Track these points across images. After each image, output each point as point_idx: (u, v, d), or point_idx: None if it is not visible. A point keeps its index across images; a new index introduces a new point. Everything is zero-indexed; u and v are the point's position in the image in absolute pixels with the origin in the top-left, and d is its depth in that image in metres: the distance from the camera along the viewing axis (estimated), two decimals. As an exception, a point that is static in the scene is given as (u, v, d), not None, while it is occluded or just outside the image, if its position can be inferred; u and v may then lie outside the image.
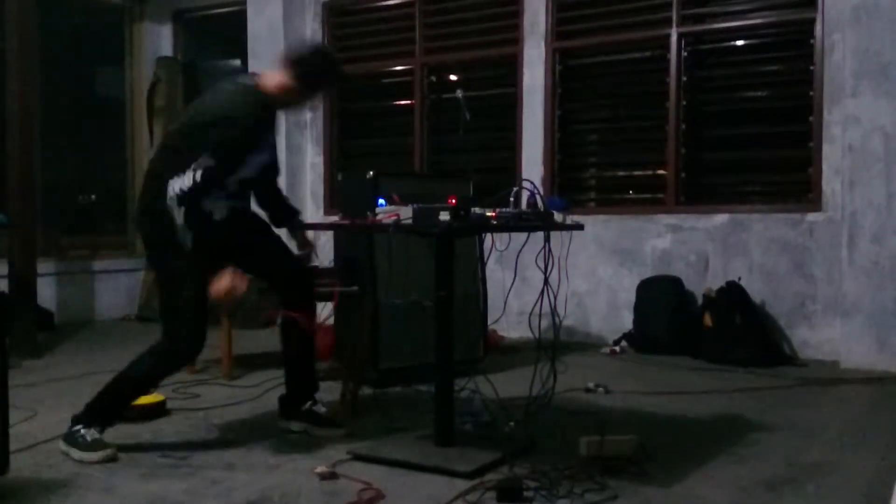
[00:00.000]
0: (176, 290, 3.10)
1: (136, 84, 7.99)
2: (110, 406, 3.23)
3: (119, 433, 3.46)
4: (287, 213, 3.59)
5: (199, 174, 2.93)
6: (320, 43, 3.30)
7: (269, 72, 3.23)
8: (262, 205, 3.56)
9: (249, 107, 3.12)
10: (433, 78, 6.99)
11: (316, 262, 3.70)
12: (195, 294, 3.07)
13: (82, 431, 3.13)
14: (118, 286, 7.56)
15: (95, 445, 3.10)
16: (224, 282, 2.99)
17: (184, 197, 2.92)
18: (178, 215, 2.93)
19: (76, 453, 3.09)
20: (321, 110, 7.31)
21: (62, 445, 3.15)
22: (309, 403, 3.51)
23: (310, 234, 3.69)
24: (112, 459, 3.07)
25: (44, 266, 6.26)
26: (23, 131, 5.56)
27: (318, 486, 2.78)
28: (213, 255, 3.04)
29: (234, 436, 3.47)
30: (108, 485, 2.82)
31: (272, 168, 3.45)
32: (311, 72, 3.21)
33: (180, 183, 2.92)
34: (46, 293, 6.53)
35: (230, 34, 7.65)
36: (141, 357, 3.24)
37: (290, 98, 3.25)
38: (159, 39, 8.09)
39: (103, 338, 6.42)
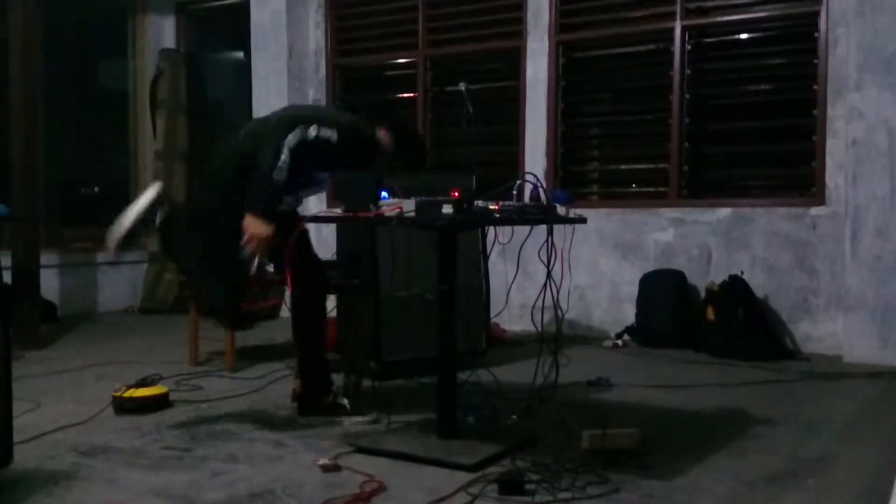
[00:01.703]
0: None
1: (139, 76, 7.99)
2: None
3: (121, 425, 3.47)
4: None
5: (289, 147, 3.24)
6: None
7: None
8: None
9: (353, 125, 3.55)
10: (436, 70, 6.98)
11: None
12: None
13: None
14: (121, 278, 7.57)
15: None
16: (263, 229, 3.17)
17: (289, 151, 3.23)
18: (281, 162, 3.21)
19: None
20: (321, 103, 7.31)
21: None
22: (331, 396, 3.61)
23: None
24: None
25: (47, 258, 6.26)
26: (26, 123, 5.56)
27: (321, 478, 2.79)
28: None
29: (236, 428, 3.47)
30: (112, 476, 2.83)
31: None
32: (404, 137, 3.66)
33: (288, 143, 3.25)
34: (49, 285, 6.54)
35: (233, 26, 7.64)
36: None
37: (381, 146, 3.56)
38: (162, 31, 8.09)
39: (106, 329, 6.44)
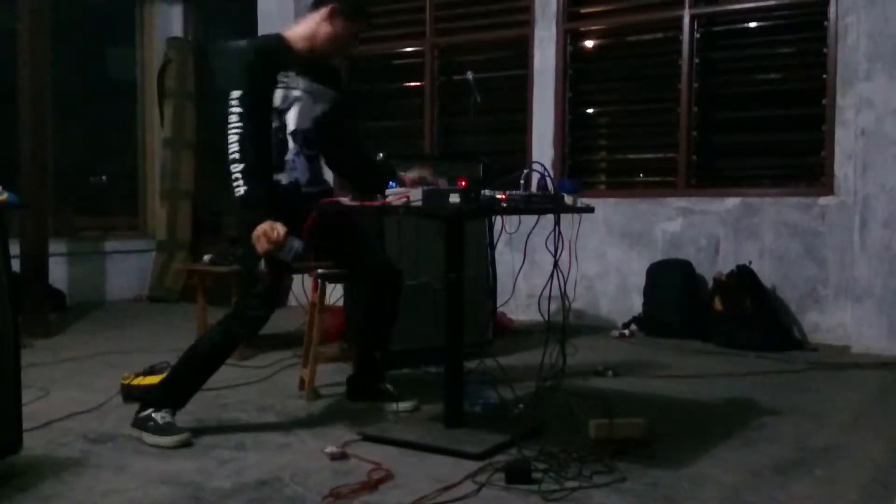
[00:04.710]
0: (250, 262, 3.16)
1: (146, 65, 7.99)
2: (181, 386, 3.19)
3: (130, 412, 3.49)
4: (375, 172, 3.47)
5: (236, 127, 3.06)
6: None
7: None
8: (343, 174, 3.56)
9: (250, 48, 3.24)
10: (444, 59, 6.96)
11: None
12: (267, 267, 3.13)
13: (153, 415, 3.08)
14: (129, 267, 7.59)
15: (168, 429, 3.06)
16: (259, 230, 2.99)
17: (240, 151, 3.03)
18: (240, 184, 3.03)
19: (149, 437, 3.05)
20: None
21: (133, 431, 3.12)
22: (375, 382, 3.65)
23: (413, 174, 3.44)
24: (187, 444, 3.03)
25: (55, 246, 6.29)
26: (34, 112, 5.58)
27: (329, 466, 2.80)
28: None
29: (244, 416, 3.49)
30: (121, 464, 2.84)
31: (335, 126, 3.44)
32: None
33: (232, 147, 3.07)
34: (58, 273, 6.57)
35: (240, 14, 7.63)
36: (209, 330, 3.30)
37: (323, 35, 3.28)
38: (170, 20, 8.08)
39: (115, 318, 6.46)
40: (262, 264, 3.13)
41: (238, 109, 3.09)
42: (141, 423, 3.10)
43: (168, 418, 3.10)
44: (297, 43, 3.32)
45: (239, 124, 3.07)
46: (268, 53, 3.23)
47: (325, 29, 3.30)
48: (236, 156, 3.05)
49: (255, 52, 3.22)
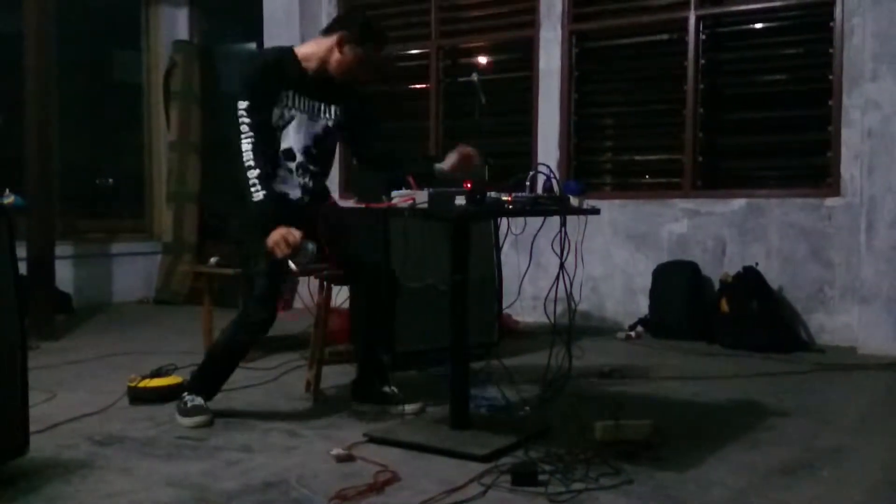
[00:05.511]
0: (250, 265, 3.31)
1: (152, 68, 8.01)
2: (208, 376, 3.42)
3: (136, 414, 3.50)
4: (397, 164, 3.53)
5: (248, 136, 3.16)
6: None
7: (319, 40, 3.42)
8: (376, 170, 3.75)
9: (256, 64, 3.35)
10: (449, 61, 6.96)
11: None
12: (266, 268, 3.22)
13: (186, 398, 3.36)
14: (136, 269, 7.61)
15: (193, 411, 3.31)
16: (276, 235, 3.10)
17: (254, 159, 3.15)
18: (252, 190, 3.13)
19: (177, 419, 3.33)
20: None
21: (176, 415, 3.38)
22: (380, 385, 3.63)
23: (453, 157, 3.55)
24: (205, 425, 3.29)
25: (62, 249, 6.30)
26: (40, 114, 5.58)
27: (335, 468, 2.80)
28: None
29: (250, 418, 3.48)
30: (127, 465, 2.85)
31: (356, 134, 3.62)
32: (350, 24, 3.39)
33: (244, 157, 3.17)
34: (64, 276, 6.58)
35: (246, 17, 7.65)
36: (222, 333, 3.46)
37: (335, 62, 3.36)
38: (176, 23, 8.10)
39: (121, 320, 6.47)
40: (265, 266, 3.20)
41: (248, 119, 3.19)
42: (178, 406, 3.37)
43: (198, 401, 3.35)
44: (307, 61, 3.39)
45: (251, 133, 3.18)
46: (272, 70, 3.32)
47: (335, 56, 3.38)
48: (251, 163, 3.15)
49: (260, 68, 3.32)
